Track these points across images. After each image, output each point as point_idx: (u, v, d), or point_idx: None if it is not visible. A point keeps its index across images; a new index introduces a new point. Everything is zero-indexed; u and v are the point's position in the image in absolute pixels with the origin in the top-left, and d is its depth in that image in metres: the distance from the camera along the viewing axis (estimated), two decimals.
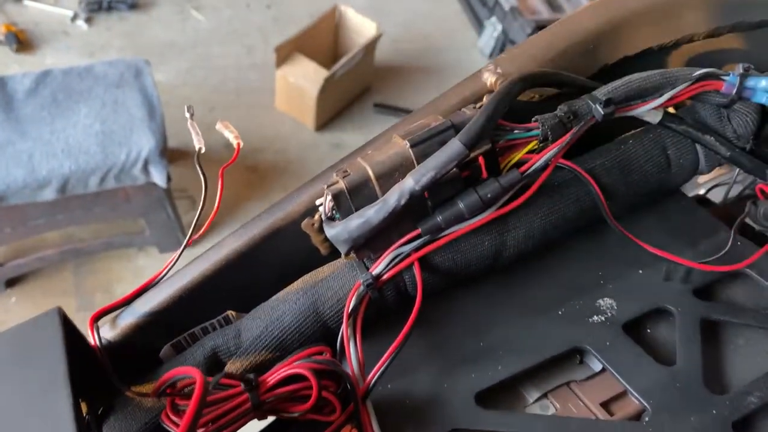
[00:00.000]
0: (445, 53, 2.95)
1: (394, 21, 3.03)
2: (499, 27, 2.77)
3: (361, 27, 2.54)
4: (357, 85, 2.65)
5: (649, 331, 0.59)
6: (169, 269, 0.56)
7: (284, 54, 2.37)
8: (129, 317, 0.54)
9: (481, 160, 0.52)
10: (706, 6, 0.60)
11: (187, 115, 0.61)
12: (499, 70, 0.56)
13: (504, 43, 2.76)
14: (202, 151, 0.57)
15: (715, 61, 0.62)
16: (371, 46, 2.52)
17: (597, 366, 0.57)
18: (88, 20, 2.79)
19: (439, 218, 0.51)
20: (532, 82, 0.52)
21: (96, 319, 0.52)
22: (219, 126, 0.62)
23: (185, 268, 0.55)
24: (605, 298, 0.59)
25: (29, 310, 2.01)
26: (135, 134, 1.87)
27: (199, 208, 0.54)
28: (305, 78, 2.37)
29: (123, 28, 2.81)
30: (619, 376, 0.55)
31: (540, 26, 2.61)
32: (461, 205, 0.51)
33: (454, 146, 0.48)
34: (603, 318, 0.58)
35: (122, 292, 2.11)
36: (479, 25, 2.98)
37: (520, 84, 0.51)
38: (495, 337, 0.57)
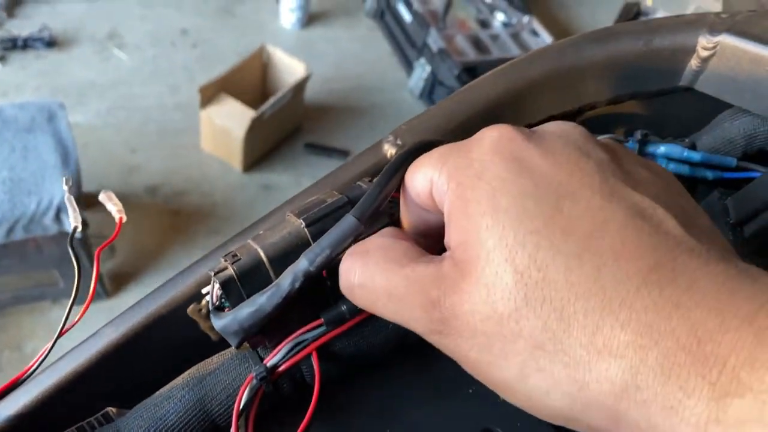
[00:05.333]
0: (376, 93, 2.96)
1: (325, 62, 3.03)
2: (428, 68, 2.80)
3: (290, 67, 2.52)
4: (287, 125, 2.62)
5: None
6: (40, 363, 0.50)
7: (209, 94, 2.32)
8: None
9: None
10: (607, 74, 0.60)
11: (65, 188, 0.55)
12: (398, 142, 0.54)
13: (434, 84, 2.80)
14: (78, 230, 0.52)
15: (617, 127, 0.62)
16: (300, 86, 2.49)
17: None
18: (2, 59, 2.66)
19: (344, 308, 0.48)
20: (427, 151, 0.50)
21: None
22: (102, 197, 0.57)
23: (55, 363, 0.49)
24: None
25: None
26: (47, 181, 1.77)
27: (72, 295, 0.49)
28: (231, 118, 2.32)
29: (39, 67, 2.70)
30: None
31: (467, 67, 2.66)
32: None
33: (348, 222, 0.45)
34: None
35: (33, 349, 1.99)
36: (409, 66, 3.01)
37: (414, 154, 0.48)
38: (402, 423, 0.53)
